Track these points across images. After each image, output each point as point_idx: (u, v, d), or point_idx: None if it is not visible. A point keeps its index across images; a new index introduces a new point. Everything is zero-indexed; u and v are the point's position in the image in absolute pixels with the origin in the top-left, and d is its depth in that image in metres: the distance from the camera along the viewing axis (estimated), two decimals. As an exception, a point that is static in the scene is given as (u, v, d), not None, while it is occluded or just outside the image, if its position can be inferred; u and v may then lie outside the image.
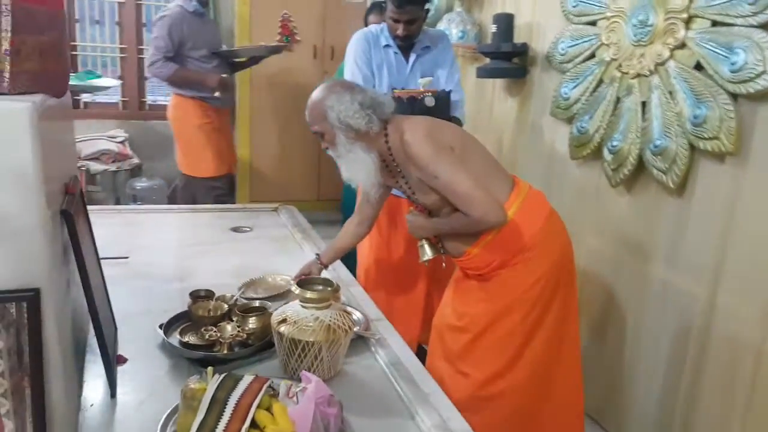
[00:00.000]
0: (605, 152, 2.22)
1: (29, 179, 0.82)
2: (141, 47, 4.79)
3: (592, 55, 2.28)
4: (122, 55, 4.72)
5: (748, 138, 1.73)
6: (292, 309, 1.29)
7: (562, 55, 2.42)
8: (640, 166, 2.08)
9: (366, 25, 3.12)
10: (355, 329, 1.48)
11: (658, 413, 2.07)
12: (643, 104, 2.05)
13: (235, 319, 1.41)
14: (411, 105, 2.12)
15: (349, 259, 2.55)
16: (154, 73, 3.43)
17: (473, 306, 1.72)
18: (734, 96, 1.74)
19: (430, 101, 2.16)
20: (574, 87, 2.34)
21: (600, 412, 2.31)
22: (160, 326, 1.40)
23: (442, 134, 1.66)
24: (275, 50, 3.57)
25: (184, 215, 2.64)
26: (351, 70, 2.34)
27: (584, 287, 2.03)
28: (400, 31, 2.27)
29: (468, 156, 1.66)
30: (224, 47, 3.74)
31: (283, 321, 1.27)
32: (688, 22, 1.87)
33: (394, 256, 2.44)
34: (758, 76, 1.66)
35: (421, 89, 2.22)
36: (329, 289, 1.33)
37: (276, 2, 4.16)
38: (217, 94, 3.45)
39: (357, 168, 1.67)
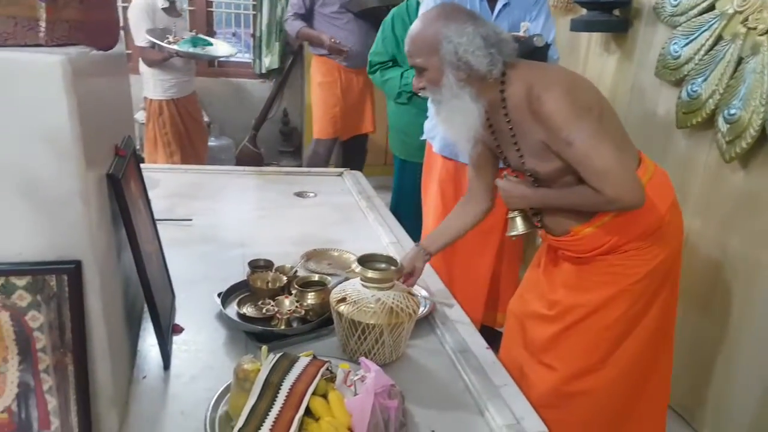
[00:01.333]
0: (720, 121, 1.91)
1: (65, 141, 0.74)
2: (210, 0, 4.77)
3: (711, 7, 1.95)
4: (191, 8, 4.72)
5: None
6: (353, 287, 1.20)
7: (673, 6, 2.10)
8: (762, 139, 1.78)
9: None
10: (420, 311, 1.39)
11: (757, 415, 1.86)
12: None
13: (293, 292, 1.33)
14: (520, 45, 1.97)
15: (416, 232, 2.46)
16: (287, 29, 3.68)
17: (567, 295, 1.48)
18: None
19: (539, 41, 1.96)
20: (687, 44, 2.03)
21: (686, 407, 2.12)
22: (219, 295, 1.35)
23: (581, 91, 1.34)
24: None
25: (250, 177, 2.59)
26: None
27: (683, 273, 1.77)
28: None
29: (605, 122, 1.34)
30: None
31: (343, 300, 1.17)
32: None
33: None
34: None
35: (522, 33, 2.03)
36: (393, 268, 1.23)
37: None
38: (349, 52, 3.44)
39: (459, 118, 1.36)
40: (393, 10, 2.83)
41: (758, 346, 1.86)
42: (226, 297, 1.35)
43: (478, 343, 1.33)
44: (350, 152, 3.85)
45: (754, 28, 1.81)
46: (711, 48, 1.96)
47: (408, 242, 1.92)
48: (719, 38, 1.93)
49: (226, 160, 4.47)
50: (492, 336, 2.12)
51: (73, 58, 0.75)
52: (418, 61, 1.34)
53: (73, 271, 0.78)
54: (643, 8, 2.36)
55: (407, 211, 2.85)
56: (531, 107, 1.30)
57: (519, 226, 1.47)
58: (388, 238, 1.92)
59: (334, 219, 2.13)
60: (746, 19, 1.83)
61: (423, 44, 1.32)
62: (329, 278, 1.40)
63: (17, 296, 0.76)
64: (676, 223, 1.47)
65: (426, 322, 1.41)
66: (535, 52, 1.93)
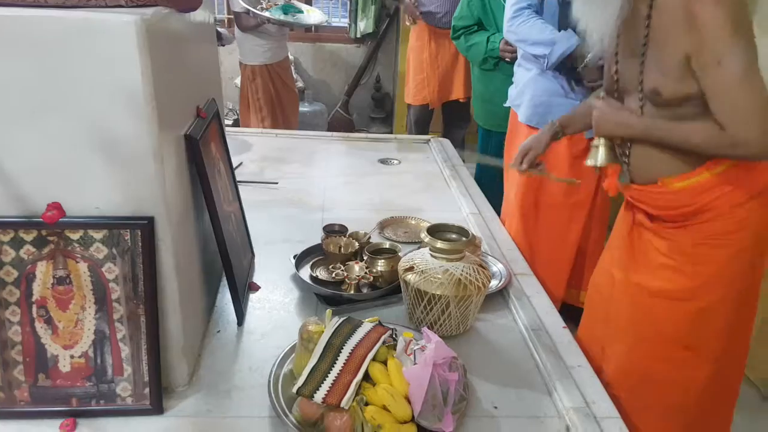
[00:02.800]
0: None
1: (139, 101, 0.77)
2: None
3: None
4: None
5: None
6: (421, 257, 1.18)
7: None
8: None
9: None
10: (494, 284, 1.35)
11: None
12: None
13: (365, 258, 1.34)
14: None
15: (499, 204, 2.38)
16: None
17: (659, 276, 1.29)
18: None
19: None
20: None
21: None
22: (294, 257, 1.38)
23: (745, 7, 1.09)
24: None
25: (338, 143, 2.62)
26: None
27: None
28: None
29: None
30: None
31: (410, 269, 1.16)
32: None
33: (542, 196, 2.10)
34: None
35: None
36: (463, 239, 1.19)
37: None
38: (439, 10, 3.36)
39: (596, 6, 1.21)
40: None
41: None
42: (301, 259, 1.38)
43: (554, 321, 1.27)
44: (449, 119, 3.75)
45: None
46: None
47: (489, 213, 1.87)
48: None
49: (319, 126, 4.55)
50: (574, 314, 2.03)
51: (147, 18, 0.77)
52: None
53: (146, 226, 0.82)
54: None
55: (491, 183, 2.76)
56: (688, 5, 1.08)
57: (600, 156, 1.30)
58: (468, 208, 1.87)
59: (417, 187, 2.12)
60: None
61: None
62: (400, 246, 1.39)
63: (95, 249, 0.82)
64: None
65: (500, 296, 1.37)
66: None
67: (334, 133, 2.84)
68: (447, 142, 2.69)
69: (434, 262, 1.15)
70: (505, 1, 2.51)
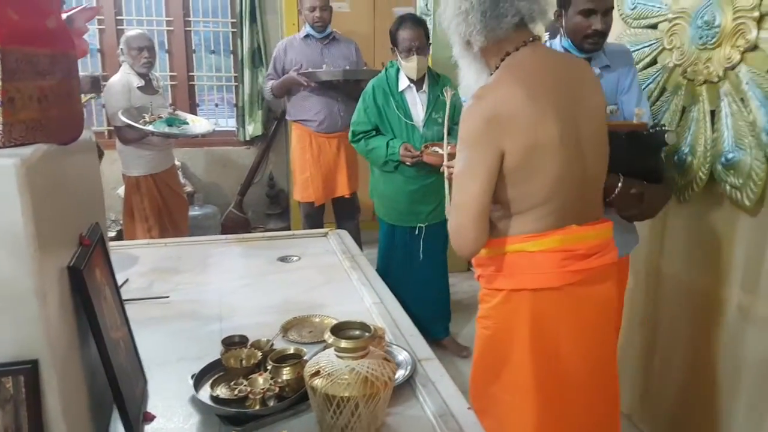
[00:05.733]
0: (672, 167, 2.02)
1: (20, 240, 0.75)
2: (191, 74, 4.91)
3: (654, 62, 2.09)
4: (173, 82, 4.85)
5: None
6: (327, 359, 1.18)
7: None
8: (711, 181, 1.88)
9: (395, 44, 2.81)
10: (398, 374, 1.37)
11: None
12: (712, 113, 1.86)
13: (268, 368, 1.31)
14: (632, 141, 1.70)
15: (406, 295, 2.42)
16: (264, 94, 3.95)
17: None
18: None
19: (671, 137, 1.71)
20: None
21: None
22: (192, 377, 1.33)
23: (509, 127, 1.34)
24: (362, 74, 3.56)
25: (233, 245, 2.60)
26: None
27: (645, 301, 2.03)
28: (598, 25, 1.81)
29: (527, 170, 1.37)
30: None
31: (317, 373, 1.16)
32: (760, 22, 1.67)
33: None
34: None
35: (636, 121, 1.77)
36: (366, 335, 1.21)
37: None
38: (316, 118, 3.59)
39: (467, 82, 1.54)
40: (372, 81, 2.91)
41: (729, 377, 1.85)
42: (200, 378, 1.33)
43: (458, 404, 1.30)
44: (339, 212, 3.92)
45: (693, 80, 1.93)
46: (657, 99, 2.10)
47: (392, 301, 1.91)
48: (663, 90, 2.07)
49: (212, 228, 4.49)
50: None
51: (27, 158, 0.77)
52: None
53: (30, 371, 0.77)
54: None
55: (397, 275, 2.91)
56: None
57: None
58: (371, 298, 1.91)
59: (318, 281, 2.13)
60: (685, 72, 1.95)
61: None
62: (305, 349, 1.39)
63: (-30, 403, 0.76)
64: (515, 306, 1.48)
65: (408, 386, 1.39)
66: (659, 149, 1.76)
67: (229, 236, 2.82)
68: (345, 233, 2.74)
69: (340, 362, 1.15)
70: (399, 111, 2.79)
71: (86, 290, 0.94)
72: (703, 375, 2.00)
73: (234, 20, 4.84)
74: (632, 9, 2.17)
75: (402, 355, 1.47)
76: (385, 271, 2.99)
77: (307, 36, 3.65)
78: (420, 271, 3.00)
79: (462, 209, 1.41)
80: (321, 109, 3.59)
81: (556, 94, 1.39)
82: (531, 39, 1.44)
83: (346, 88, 3.58)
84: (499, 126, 1.35)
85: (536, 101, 1.36)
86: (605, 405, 1.59)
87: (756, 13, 1.67)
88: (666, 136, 1.70)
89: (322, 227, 3.60)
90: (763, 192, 1.70)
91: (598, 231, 1.48)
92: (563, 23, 1.90)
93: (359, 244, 3.88)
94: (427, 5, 3.96)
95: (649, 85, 2.10)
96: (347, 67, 3.60)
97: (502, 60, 1.43)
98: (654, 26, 2.09)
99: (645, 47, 2.13)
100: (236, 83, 4.94)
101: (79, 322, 0.98)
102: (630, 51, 2.04)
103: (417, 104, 2.85)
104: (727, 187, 1.80)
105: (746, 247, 1.80)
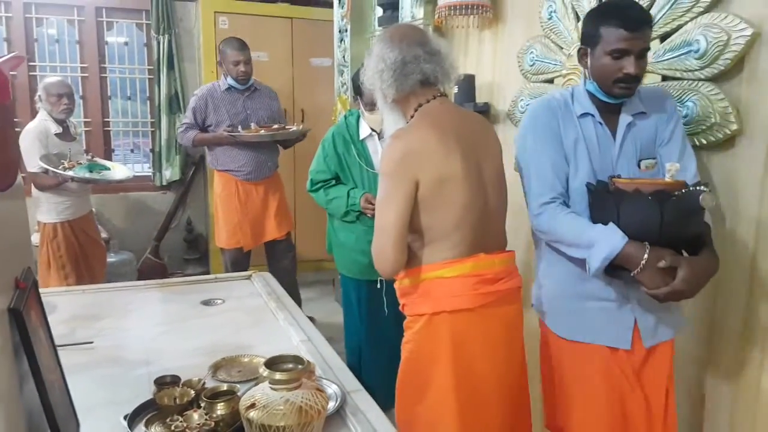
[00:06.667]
0: None
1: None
2: (107, 120, 4.83)
3: (550, 110, 2.33)
4: (87, 128, 4.75)
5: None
6: (262, 392, 1.24)
7: (522, 112, 2.48)
8: None
9: (359, 95, 2.70)
10: (329, 405, 1.43)
11: None
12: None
13: (202, 405, 1.34)
14: (660, 203, 1.42)
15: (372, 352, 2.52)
16: (181, 141, 3.80)
17: None
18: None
19: (710, 199, 1.41)
20: None
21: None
22: (125, 417, 1.33)
23: (420, 158, 1.57)
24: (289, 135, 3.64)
25: (153, 290, 2.56)
26: (533, 155, 1.67)
27: None
28: (631, 68, 1.51)
29: (438, 199, 1.59)
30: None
31: (252, 406, 1.21)
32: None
33: None
34: (710, 128, 1.71)
35: (668, 179, 1.47)
36: (300, 367, 1.28)
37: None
38: (242, 168, 3.62)
39: (390, 130, 1.70)
40: (332, 129, 2.79)
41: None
42: (133, 419, 1.33)
43: (387, 429, 1.39)
44: (271, 253, 3.92)
45: None
46: None
47: (318, 338, 1.96)
48: None
49: (128, 274, 4.36)
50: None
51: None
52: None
53: (-27, 410, 0.79)
54: (499, 115, 2.77)
55: (361, 329, 2.80)
56: None
57: None
58: (298, 336, 1.96)
59: (244, 324, 2.15)
60: None
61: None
62: (239, 386, 1.43)
63: None
64: (436, 327, 1.64)
65: (338, 417, 1.45)
66: (695, 214, 1.46)
67: (149, 281, 2.77)
68: (269, 275, 2.78)
69: (275, 394, 1.21)
70: (360, 159, 2.69)
71: (26, 332, 0.96)
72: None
73: (151, 67, 4.84)
74: (531, 65, 2.43)
75: (332, 388, 1.54)
76: (349, 326, 2.88)
77: (229, 88, 3.69)
78: (387, 329, 2.70)
79: (383, 233, 1.60)
80: (247, 160, 3.64)
81: (460, 137, 1.64)
82: (439, 94, 1.72)
83: (301, 139, 3.73)
84: (413, 160, 1.58)
85: (444, 141, 1.60)
86: (517, 414, 1.76)
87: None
88: (701, 198, 1.39)
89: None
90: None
91: (503, 259, 1.70)
92: (588, 63, 1.62)
93: (294, 281, 3.92)
94: (344, 57, 4.15)
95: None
96: (269, 117, 3.72)
97: (416, 110, 1.68)
98: (551, 81, 2.34)
99: (543, 100, 2.37)
100: (153, 128, 4.90)
101: (19, 365, 0.99)
102: (670, 95, 1.71)
103: (378, 152, 2.71)
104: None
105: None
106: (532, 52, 2.41)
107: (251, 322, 2.17)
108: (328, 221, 2.88)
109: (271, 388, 1.23)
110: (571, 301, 1.69)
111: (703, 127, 1.72)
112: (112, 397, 1.53)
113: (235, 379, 1.62)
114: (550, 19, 2.30)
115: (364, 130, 2.70)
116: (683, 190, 1.43)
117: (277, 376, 1.23)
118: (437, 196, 1.59)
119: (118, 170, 3.33)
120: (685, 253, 1.53)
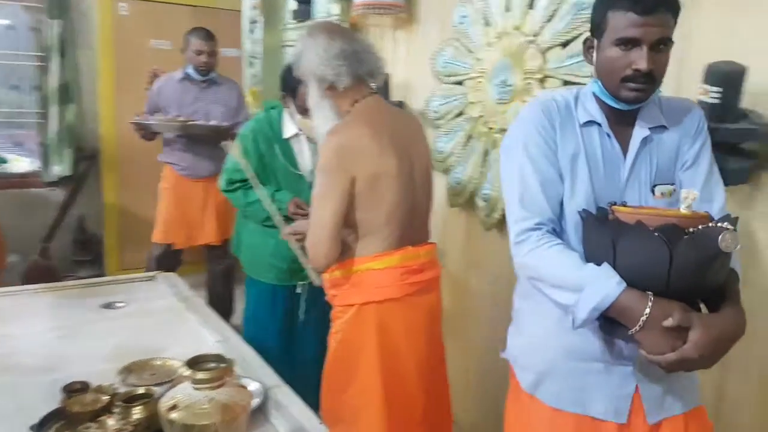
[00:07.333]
0: (478, 200, 2.37)
1: None
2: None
3: (461, 113, 2.44)
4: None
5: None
6: (183, 392, 1.20)
7: (435, 112, 2.57)
8: None
9: (293, 95, 2.32)
10: (254, 402, 1.41)
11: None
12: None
13: (117, 410, 1.27)
14: (669, 242, 1.07)
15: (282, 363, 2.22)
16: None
17: None
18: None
19: (731, 241, 1.05)
20: (448, 141, 2.49)
21: None
22: (32, 428, 1.24)
23: (355, 155, 1.64)
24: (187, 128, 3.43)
25: (46, 294, 2.38)
26: (519, 167, 1.30)
27: (469, 319, 2.28)
28: (642, 62, 1.17)
29: (371, 195, 1.65)
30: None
31: (174, 407, 1.17)
32: (542, 82, 2.08)
33: None
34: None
35: (684, 210, 1.12)
36: (223, 366, 1.25)
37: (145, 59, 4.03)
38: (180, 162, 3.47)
39: (324, 127, 1.70)
40: (252, 124, 2.51)
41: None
42: (41, 428, 1.24)
43: (311, 420, 1.39)
44: (209, 257, 3.77)
45: (492, 128, 2.30)
46: (465, 144, 2.44)
47: (234, 337, 1.92)
48: (470, 136, 2.42)
49: (13, 279, 4.01)
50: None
51: None
52: (297, 73, 1.74)
53: None
54: (412, 113, 2.81)
55: (274, 335, 2.58)
56: None
57: None
58: (213, 337, 1.91)
59: (151, 327, 2.05)
60: (486, 122, 2.32)
61: (296, 57, 1.71)
62: (155, 389, 1.37)
63: None
64: (364, 317, 1.72)
65: (260, 413, 1.43)
66: (716, 258, 1.08)
67: (41, 285, 2.57)
68: (174, 275, 2.66)
69: (198, 394, 1.18)
70: (285, 159, 2.42)
71: None
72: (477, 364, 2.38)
73: (41, 54, 4.46)
74: (443, 67, 2.52)
75: (253, 385, 1.52)
76: (254, 335, 2.53)
77: (184, 78, 3.50)
78: (303, 334, 2.54)
79: (319, 227, 1.64)
80: (182, 155, 3.47)
81: (394, 135, 1.70)
82: (373, 92, 1.79)
83: (216, 137, 3.36)
84: (350, 156, 1.63)
85: (379, 139, 1.66)
86: (436, 395, 1.87)
87: (540, 75, 2.07)
88: (720, 238, 1.04)
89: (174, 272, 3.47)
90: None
91: (427, 250, 1.81)
92: (593, 57, 1.28)
93: (227, 290, 3.81)
94: (255, 48, 4.07)
95: (458, 132, 2.44)
96: (223, 114, 3.51)
97: (353, 105, 1.72)
98: (461, 83, 2.44)
99: (454, 101, 2.47)
100: (41, 120, 4.52)
101: None
102: (699, 109, 1.35)
103: (304, 152, 2.48)
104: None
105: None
106: (444, 54, 2.50)
107: (159, 324, 2.08)
108: (237, 221, 2.68)
109: (194, 388, 1.19)
110: (554, 356, 1.32)
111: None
112: (16, 407, 1.41)
113: (149, 382, 1.55)
114: (461, 23, 2.40)
115: (290, 129, 2.46)
116: (700, 227, 1.09)
117: (200, 375, 1.19)
118: (371, 192, 1.65)
119: (19, 163, 3.06)
120: (703, 308, 1.19)
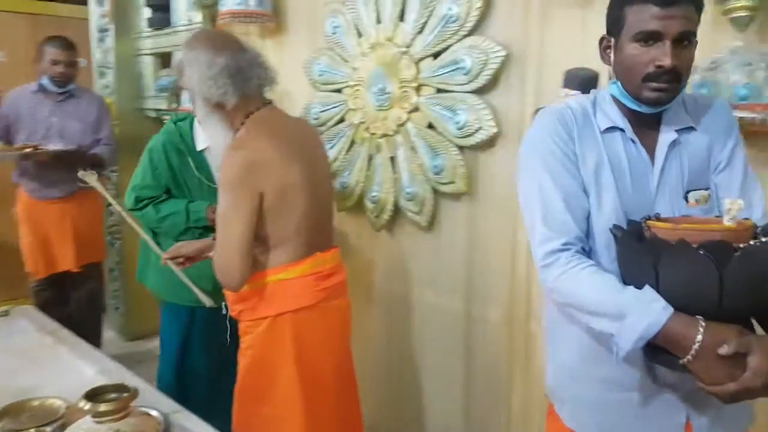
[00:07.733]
0: (367, 203, 2.45)
1: None
2: None
3: (342, 119, 2.49)
4: None
5: (475, 180, 2.13)
6: (84, 428, 1.11)
7: (316, 119, 2.58)
8: (397, 210, 2.36)
9: None
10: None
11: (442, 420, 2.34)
12: (392, 159, 2.33)
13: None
14: (717, 261, 0.96)
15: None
16: None
17: None
18: (461, 148, 2.11)
19: None
20: (332, 147, 2.52)
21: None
22: None
23: (259, 170, 1.58)
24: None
25: None
26: (539, 184, 1.18)
27: (365, 315, 2.33)
28: (666, 58, 1.07)
29: (281, 207, 1.62)
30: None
31: (76, 445, 1.08)
32: (418, 90, 2.19)
33: None
34: (476, 131, 2.04)
35: (728, 223, 1.00)
36: (126, 395, 1.18)
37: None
38: (29, 184, 3.15)
39: (216, 140, 1.65)
40: (160, 138, 2.32)
41: (427, 359, 2.32)
42: None
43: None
44: (71, 289, 3.40)
45: (375, 134, 2.39)
46: (349, 149, 2.50)
47: (118, 368, 1.78)
48: (353, 142, 2.49)
49: None
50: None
51: None
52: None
53: None
54: None
55: (197, 373, 2.38)
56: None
57: None
58: (93, 369, 1.76)
59: (19, 366, 1.84)
60: (368, 128, 2.41)
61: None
62: (46, 429, 1.25)
63: None
64: (280, 328, 1.69)
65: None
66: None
67: None
68: (32, 308, 2.40)
69: (101, 427, 1.10)
70: (200, 173, 2.29)
71: None
72: (408, 364, 2.45)
73: None
74: (320, 75, 2.54)
75: (153, 413, 1.44)
76: (172, 370, 2.39)
77: (38, 90, 3.15)
78: (231, 357, 2.10)
79: (228, 248, 1.57)
80: (30, 175, 3.15)
81: (293, 144, 1.69)
82: (268, 102, 1.75)
83: (67, 160, 3.06)
84: (258, 171, 1.59)
85: (283, 151, 1.64)
86: (348, 397, 1.89)
87: (415, 84, 2.17)
88: None
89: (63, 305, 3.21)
90: (434, 215, 2.24)
91: (333, 255, 1.82)
92: (611, 57, 1.19)
93: (94, 319, 3.50)
94: (107, 58, 3.82)
95: (341, 138, 2.48)
96: (82, 129, 3.20)
97: (246, 117, 1.67)
98: (339, 90, 2.47)
99: (334, 107, 2.50)
100: None
101: None
102: (728, 105, 1.26)
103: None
104: (409, 214, 2.30)
105: (426, 257, 2.34)
106: (319, 63, 2.53)
107: (24, 363, 1.86)
108: (141, 244, 2.44)
109: (96, 422, 1.11)
110: (593, 387, 1.20)
111: (471, 131, 2.06)
112: None
113: (28, 425, 1.40)
114: (334, 33, 2.44)
115: (203, 141, 2.31)
116: (752, 242, 0.98)
117: (102, 407, 1.11)
118: (280, 204, 1.62)
119: None
120: (756, 327, 1.08)
